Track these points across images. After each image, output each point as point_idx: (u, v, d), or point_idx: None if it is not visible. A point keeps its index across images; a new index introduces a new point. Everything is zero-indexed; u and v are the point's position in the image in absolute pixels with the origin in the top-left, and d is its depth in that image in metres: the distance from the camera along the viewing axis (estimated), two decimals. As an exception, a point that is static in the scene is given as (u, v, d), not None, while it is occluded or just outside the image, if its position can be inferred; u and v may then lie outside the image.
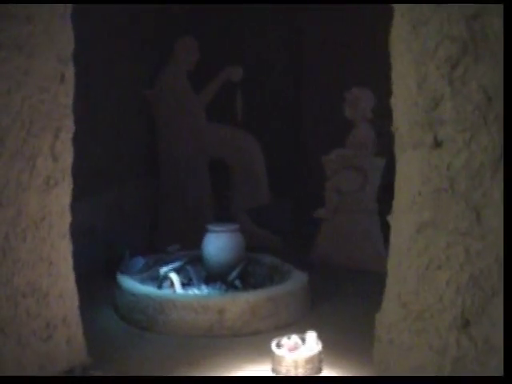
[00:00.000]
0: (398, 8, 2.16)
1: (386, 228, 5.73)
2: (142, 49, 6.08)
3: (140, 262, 5.12)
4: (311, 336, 4.02)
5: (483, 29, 1.96)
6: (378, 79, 6.43)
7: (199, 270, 5.17)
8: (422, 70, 2.05)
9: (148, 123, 6.19)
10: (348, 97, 5.89)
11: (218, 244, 5.06)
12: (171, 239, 5.78)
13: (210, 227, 5.13)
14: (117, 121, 5.79)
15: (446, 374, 2.02)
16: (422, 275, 2.11)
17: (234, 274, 4.95)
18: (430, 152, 2.06)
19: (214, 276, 5.07)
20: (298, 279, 4.87)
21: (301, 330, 4.11)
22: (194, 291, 4.89)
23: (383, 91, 6.22)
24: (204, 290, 4.93)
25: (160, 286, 4.84)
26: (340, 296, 5.15)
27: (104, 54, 5.49)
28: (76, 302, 3.70)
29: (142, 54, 6.09)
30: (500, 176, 1.96)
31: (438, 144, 2.04)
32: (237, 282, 4.89)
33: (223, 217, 6.03)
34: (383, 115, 6.12)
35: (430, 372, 2.04)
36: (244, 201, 6.28)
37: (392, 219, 2.35)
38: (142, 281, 4.92)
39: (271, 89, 6.97)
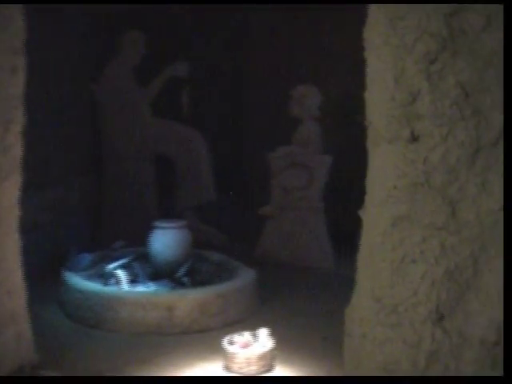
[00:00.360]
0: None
1: (331, 226, 5.84)
2: (87, 44, 5.94)
3: (86, 258, 5.02)
4: (263, 333, 4.00)
5: (461, 25, 1.97)
6: (324, 77, 6.56)
7: (145, 267, 5.10)
8: (399, 64, 2.05)
9: (93, 119, 6.07)
10: (294, 94, 5.90)
11: (164, 241, 5.00)
12: (115, 236, 5.69)
13: (157, 224, 5.06)
14: (62, 116, 5.65)
15: (420, 368, 2.02)
16: (396, 269, 2.11)
17: (182, 270, 4.90)
18: (406, 146, 2.06)
19: (160, 273, 5.00)
20: (246, 276, 4.86)
21: (251, 327, 4.09)
22: (140, 288, 4.82)
23: (330, 88, 6.37)
24: (151, 286, 4.86)
25: (106, 283, 4.75)
26: (288, 292, 5.15)
27: (46, 49, 5.32)
28: (24, 299, 3.59)
29: (87, 49, 5.95)
30: (476, 170, 1.98)
31: (414, 138, 2.04)
32: (184, 279, 4.83)
33: (168, 214, 5.97)
34: (330, 112, 6.29)
35: (405, 366, 2.04)
36: (189, 198, 6.22)
37: (364, 213, 2.34)
38: (89, 278, 4.82)
39: (216, 85, 6.91)
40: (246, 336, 3.99)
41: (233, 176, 6.91)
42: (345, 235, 6.35)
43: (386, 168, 2.13)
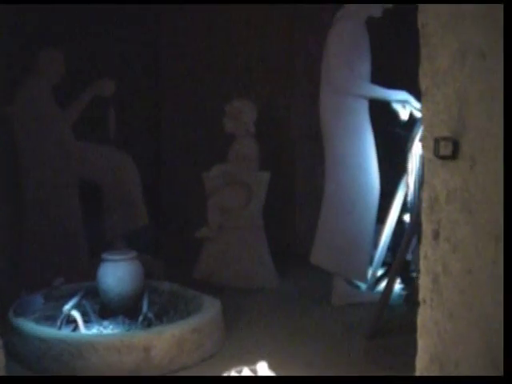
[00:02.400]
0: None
1: (271, 243, 5.66)
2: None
3: (38, 300, 4.52)
4: (263, 366, 3.73)
5: None
6: (258, 91, 6.38)
7: (93, 304, 4.69)
8: None
9: (8, 142, 5.49)
10: (229, 110, 5.66)
11: (117, 274, 4.61)
12: (42, 271, 5.21)
13: (107, 256, 4.65)
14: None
15: None
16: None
17: (145, 306, 4.53)
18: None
19: (113, 309, 4.60)
20: (212, 305, 4.54)
21: (228, 361, 3.84)
22: (97, 328, 4.41)
23: (265, 103, 6.19)
24: (108, 326, 4.46)
25: (60, 327, 4.30)
26: (242, 317, 4.91)
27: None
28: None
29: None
30: None
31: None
32: (150, 315, 4.46)
33: (98, 243, 5.54)
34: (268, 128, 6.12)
35: None
36: (120, 225, 5.79)
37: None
38: (37, 321, 4.34)
39: (136, 102, 6.54)
40: (246, 372, 3.70)
41: (165, 198, 6.57)
42: (286, 251, 6.27)
43: None
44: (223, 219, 5.69)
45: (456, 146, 2.38)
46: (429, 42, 2.64)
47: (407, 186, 5.38)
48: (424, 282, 2.69)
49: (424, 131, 2.71)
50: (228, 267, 5.65)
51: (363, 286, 5.42)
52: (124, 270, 4.61)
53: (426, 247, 2.68)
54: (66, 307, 4.38)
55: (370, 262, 5.38)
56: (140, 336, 4.10)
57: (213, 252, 5.72)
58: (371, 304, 5.00)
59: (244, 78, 6.53)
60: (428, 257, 2.65)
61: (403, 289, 5.37)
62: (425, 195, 2.74)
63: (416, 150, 5.00)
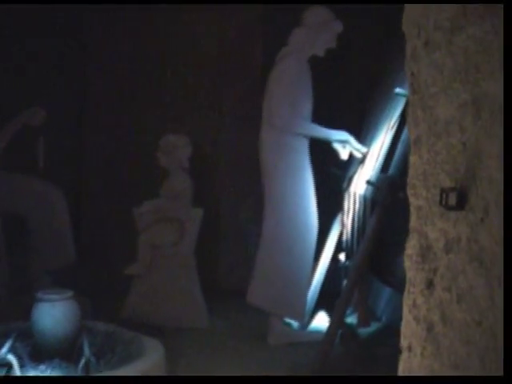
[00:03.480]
0: None
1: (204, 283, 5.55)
2: None
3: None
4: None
5: None
6: (185, 124, 6.27)
7: (26, 346, 4.43)
8: None
9: None
10: (163, 144, 5.55)
11: (54, 315, 4.37)
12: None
13: (43, 296, 4.41)
14: None
15: None
16: None
17: (86, 348, 4.31)
18: None
19: (49, 352, 4.36)
20: (155, 348, 4.38)
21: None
22: (32, 373, 4.16)
23: (191, 137, 6.10)
24: (45, 370, 4.22)
25: (-4, 372, 4.03)
26: (184, 359, 4.78)
27: None
28: None
29: None
30: None
31: None
32: (92, 358, 4.25)
33: (21, 280, 5.28)
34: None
35: None
36: (46, 260, 5.53)
37: None
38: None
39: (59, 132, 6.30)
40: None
41: (96, 234, 6.34)
42: (210, 287, 6.17)
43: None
44: (154, 256, 5.53)
45: (464, 197, 2.38)
46: (424, 90, 2.65)
47: (342, 225, 5.41)
48: (411, 331, 2.67)
49: (413, 179, 2.71)
50: (158, 306, 5.49)
51: (294, 324, 5.39)
52: (61, 310, 4.39)
53: (414, 295, 2.66)
54: (3, 351, 4.11)
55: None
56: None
57: (143, 290, 5.55)
58: (307, 343, 4.99)
59: (171, 111, 6.43)
60: (418, 305, 2.63)
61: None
62: (411, 242, 2.73)
63: (356, 190, 5.03)
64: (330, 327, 4.56)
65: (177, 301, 5.50)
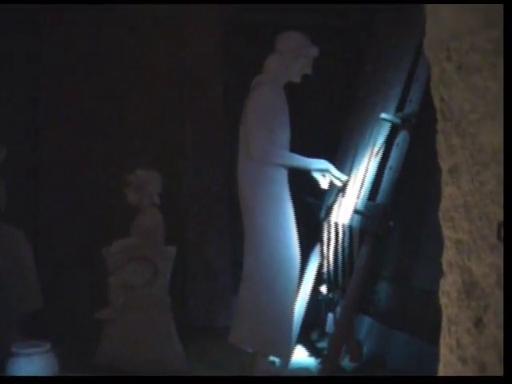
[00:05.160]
0: None
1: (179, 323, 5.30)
2: None
3: None
4: None
5: None
6: (166, 159, 6.03)
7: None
8: None
9: None
10: (132, 180, 5.28)
11: (32, 370, 4.08)
12: None
13: (18, 349, 4.11)
14: None
15: None
16: None
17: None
18: None
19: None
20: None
21: None
22: None
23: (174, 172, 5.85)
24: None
25: None
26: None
27: None
28: None
29: None
30: None
31: None
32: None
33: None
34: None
35: None
36: (11, 308, 5.17)
37: None
38: None
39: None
40: None
41: (61, 277, 6.00)
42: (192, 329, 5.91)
43: None
44: (127, 298, 5.24)
45: (522, 231, 2.23)
46: (460, 117, 2.51)
47: (322, 256, 5.24)
48: (456, 373, 2.50)
49: (450, 211, 2.56)
50: (133, 351, 5.19)
51: (277, 361, 5.18)
52: (39, 364, 4.10)
53: (458, 335, 2.50)
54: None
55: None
56: None
57: (116, 335, 5.24)
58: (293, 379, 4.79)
59: (131, 144, 6.18)
60: (464, 345, 2.47)
61: (320, 363, 5.19)
62: (450, 278, 2.58)
63: (338, 220, 4.88)
64: (325, 367, 4.37)
65: (153, 344, 5.22)
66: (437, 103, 2.60)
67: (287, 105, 4.97)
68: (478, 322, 2.46)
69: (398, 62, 4.73)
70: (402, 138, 4.32)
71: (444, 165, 2.57)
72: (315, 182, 5.02)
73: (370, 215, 4.27)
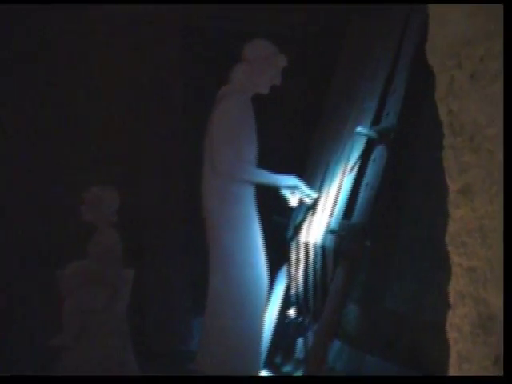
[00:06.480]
0: None
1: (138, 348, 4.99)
2: None
3: None
4: None
5: None
6: (122, 174, 5.67)
7: None
8: None
9: None
10: (87, 197, 4.95)
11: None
12: None
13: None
14: None
15: None
16: None
17: None
18: None
19: None
20: None
21: None
22: None
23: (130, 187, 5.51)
24: None
25: None
26: None
27: None
28: None
29: None
30: None
31: None
32: None
33: None
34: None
35: None
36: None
37: None
38: None
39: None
40: None
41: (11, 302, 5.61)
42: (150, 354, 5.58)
43: None
44: (82, 324, 4.90)
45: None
46: (473, 131, 2.27)
47: (290, 277, 4.98)
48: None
49: (461, 236, 2.32)
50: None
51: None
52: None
53: (471, 373, 2.27)
54: None
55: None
56: None
57: (71, 362, 4.89)
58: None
59: (86, 158, 5.84)
60: (479, 384, 2.24)
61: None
62: (461, 310, 2.35)
63: (309, 239, 4.61)
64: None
65: (110, 372, 4.88)
66: (443, 116, 2.35)
67: (254, 118, 4.71)
68: (497, 360, 2.21)
69: (373, 74, 4.51)
70: (378, 152, 4.09)
71: (453, 184, 2.32)
72: (284, 200, 4.77)
73: (346, 235, 4.02)
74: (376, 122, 4.28)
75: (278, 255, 5.17)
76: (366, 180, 4.12)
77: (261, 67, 4.68)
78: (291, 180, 4.63)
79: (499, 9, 2.08)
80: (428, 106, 4.26)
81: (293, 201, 4.71)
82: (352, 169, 4.27)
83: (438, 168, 4.42)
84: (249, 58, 4.69)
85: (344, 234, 4.04)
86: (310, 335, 4.66)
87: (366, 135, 4.16)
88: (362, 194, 4.11)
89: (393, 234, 4.66)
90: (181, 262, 5.95)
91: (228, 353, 4.58)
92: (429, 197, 4.29)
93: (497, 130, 2.11)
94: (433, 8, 2.36)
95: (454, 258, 2.31)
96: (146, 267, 5.93)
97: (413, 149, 4.42)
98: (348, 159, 4.38)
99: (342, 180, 4.39)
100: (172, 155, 5.93)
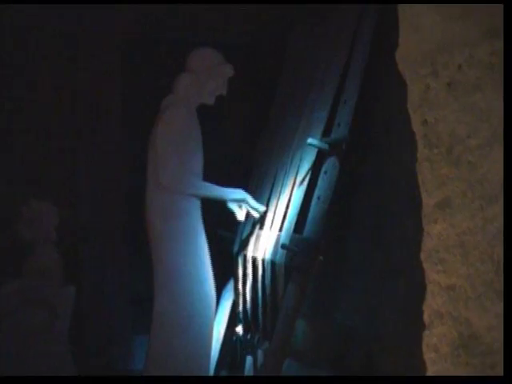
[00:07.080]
0: None
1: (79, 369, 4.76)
2: None
3: None
4: None
5: None
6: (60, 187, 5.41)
7: None
8: None
9: None
10: (25, 213, 4.73)
11: None
12: None
13: None
14: None
15: None
16: None
17: None
18: None
19: None
20: None
21: None
22: None
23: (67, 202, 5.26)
24: None
25: None
26: None
27: None
28: None
29: None
30: None
31: None
32: None
33: None
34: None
35: None
36: None
37: None
38: None
39: None
40: None
41: None
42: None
43: None
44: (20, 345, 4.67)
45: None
46: (451, 142, 2.19)
47: (237, 293, 4.84)
48: None
49: (439, 252, 2.24)
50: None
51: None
52: None
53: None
54: None
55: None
56: None
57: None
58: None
59: (21, 171, 5.58)
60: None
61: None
62: (437, 330, 2.27)
63: (257, 254, 4.48)
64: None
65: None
66: (416, 126, 2.25)
67: (200, 128, 4.57)
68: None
69: (321, 84, 4.41)
70: (330, 164, 3.99)
71: (429, 198, 2.22)
72: (230, 213, 4.63)
73: (299, 250, 3.90)
74: (327, 132, 4.18)
75: (223, 270, 5.03)
76: (317, 193, 4.01)
77: (206, 77, 4.55)
78: (238, 193, 4.51)
79: (482, 12, 1.99)
80: (380, 116, 4.19)
81: (240, 215, 4.59)
82: (302, 181, 4.16)
83: (387, 180, 4.35)
84: (193, 68, 4.56)
85: (296, 249, 3.92)
86: (260, 353, 4.52)
87: (317, 147, 4.05)
88: (314, 207, 4.00)
89: (341, 247, 4.58)
90: (122, 278, 5.73)
91: (175, 372, 4.42)
92: (377, 210, 4.22)
93: (479, 140, 2.01)
94: (403, 9, 2.25)
95: (431, 276, 2.21)
96: (84, 284, 5.70)
97: (363, 160, 4.34)
98: (297, 172, 4.27)
99: (291, 193, 4.27)
100: (112, 168, 5.71)
